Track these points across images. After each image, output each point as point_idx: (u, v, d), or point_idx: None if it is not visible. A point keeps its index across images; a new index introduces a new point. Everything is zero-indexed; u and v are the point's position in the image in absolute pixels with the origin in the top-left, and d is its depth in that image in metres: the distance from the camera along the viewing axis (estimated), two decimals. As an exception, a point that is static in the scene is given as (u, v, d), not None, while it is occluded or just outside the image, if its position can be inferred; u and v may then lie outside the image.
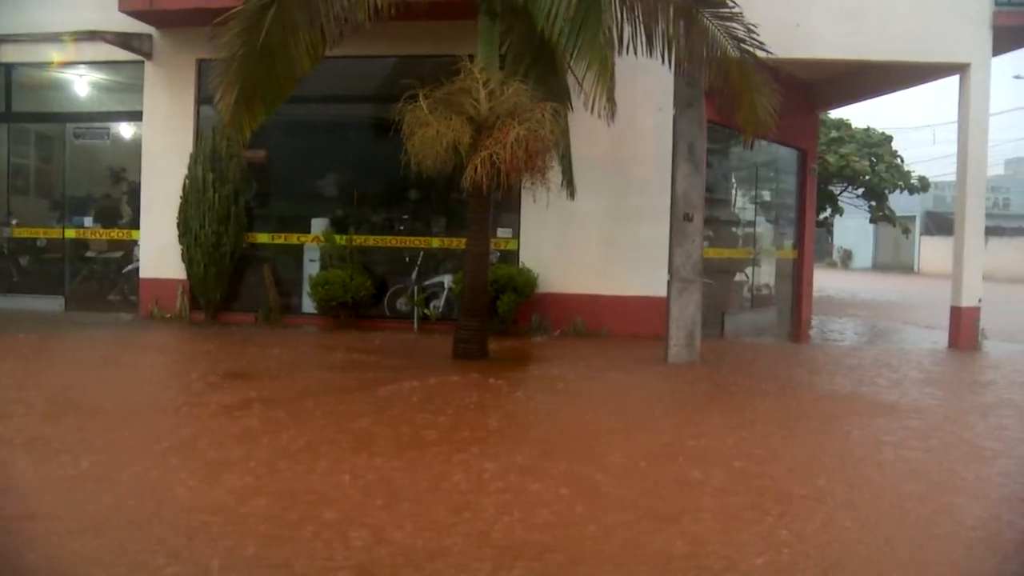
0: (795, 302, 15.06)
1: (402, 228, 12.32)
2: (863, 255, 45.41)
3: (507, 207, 11.49)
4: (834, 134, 22.21)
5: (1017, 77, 40.50)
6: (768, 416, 6.94)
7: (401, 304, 12.00)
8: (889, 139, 23.41)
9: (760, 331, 13.26)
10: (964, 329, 11.30)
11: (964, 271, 11.34)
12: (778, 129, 14.50)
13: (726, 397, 7.80)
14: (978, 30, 11.15)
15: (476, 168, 8.10)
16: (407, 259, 12.01)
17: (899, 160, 23.45)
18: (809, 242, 15.28)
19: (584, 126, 9.87)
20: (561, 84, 9.45)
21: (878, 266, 45.16)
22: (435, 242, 11.98)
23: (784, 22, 11.18)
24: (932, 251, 42.15)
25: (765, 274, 14.69)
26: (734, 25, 8.53)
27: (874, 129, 23.64)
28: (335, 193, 12.60)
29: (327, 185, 12.68)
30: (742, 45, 8.59)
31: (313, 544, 3.83)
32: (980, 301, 11.39)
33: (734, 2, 8.65)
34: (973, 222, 11.33)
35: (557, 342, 10.84)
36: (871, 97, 15.33)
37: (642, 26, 8.41)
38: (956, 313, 11.42)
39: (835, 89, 14.79)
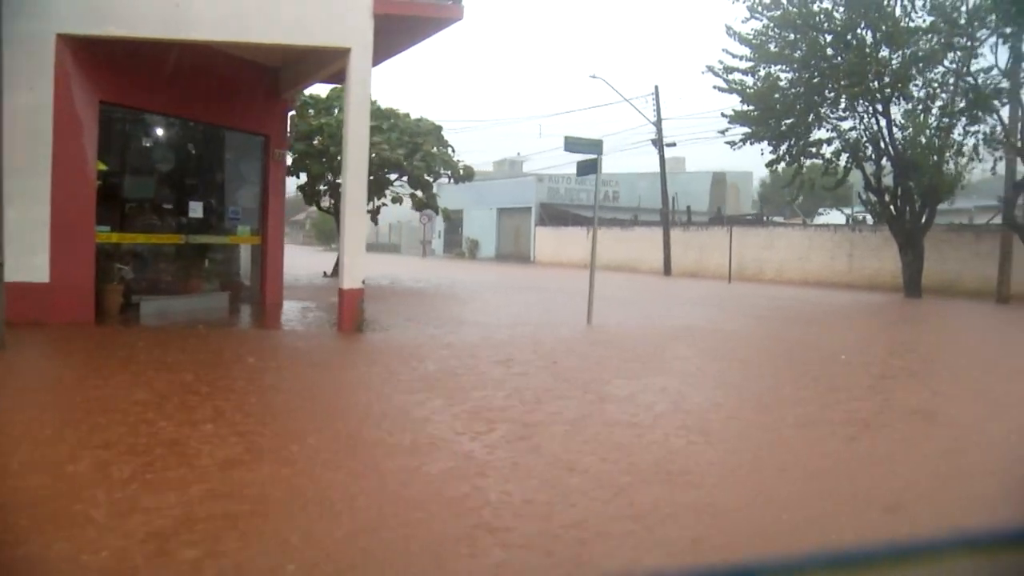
0: (259, 287, 14.91)
1: None
2: (489, 245, 47.25)
3: None
4: (373, 123, 22.55)
5: (593, 76, 43.90)
6: None
7: None
8: (438, 128, 24.18)
9: (199, 316, 12.85)
10: (346, 311, 11.45)
11: (346, 253, 11.53)
12: (235, 115, 14.46)
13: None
14: (358, 17, 11.34)
15: None
16: None
17: (449, 149, 24.28)
18: (275, 228, 15.12)
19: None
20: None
21: (500, 256, 47.19)
22: None
23: (163, 1, 10.93)
24: (544, 241, 44.69)
25: (211, 260, 14.44)
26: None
27: (426, 119, 24.32)
28: None
29: None
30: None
31: None
32: (364, 283, 11.67)
33: None
34: (354, 205, 11.53)
35: None
36: (328, 81, 15.54)
37: None
38: (341, 295, 11.55)
39: (293, 72, 14.80)
